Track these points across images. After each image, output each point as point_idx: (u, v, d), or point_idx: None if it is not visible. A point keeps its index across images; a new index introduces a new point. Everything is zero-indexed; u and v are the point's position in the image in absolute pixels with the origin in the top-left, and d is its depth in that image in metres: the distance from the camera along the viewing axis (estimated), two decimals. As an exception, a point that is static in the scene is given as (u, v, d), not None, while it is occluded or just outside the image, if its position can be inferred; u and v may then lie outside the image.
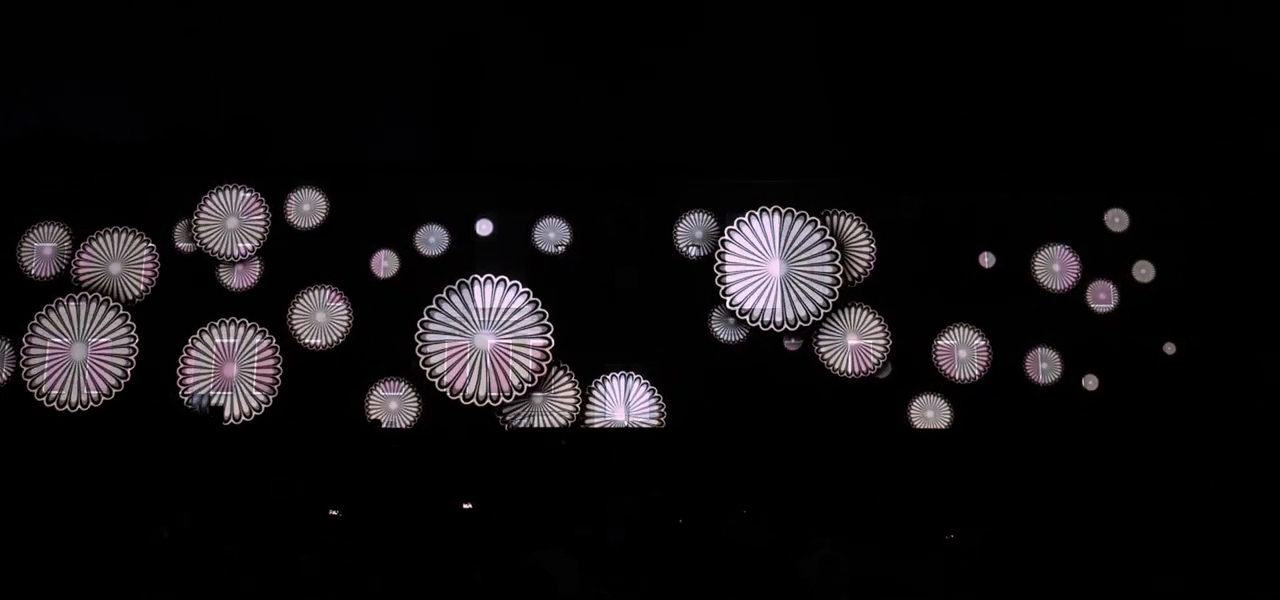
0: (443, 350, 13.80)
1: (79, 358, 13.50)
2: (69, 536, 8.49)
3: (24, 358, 13.44)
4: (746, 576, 7.37)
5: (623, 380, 13.78)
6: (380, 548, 7.73)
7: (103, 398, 13.34)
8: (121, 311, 13.54)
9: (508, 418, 13.70)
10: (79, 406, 13.31)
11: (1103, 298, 14.26)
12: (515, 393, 13.71)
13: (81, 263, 13.87)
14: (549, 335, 13.76)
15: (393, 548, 7.74)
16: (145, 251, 14.10)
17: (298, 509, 10.03)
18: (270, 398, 13.66)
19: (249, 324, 13.76)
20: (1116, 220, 14.43)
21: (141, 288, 13.91)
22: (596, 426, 13.86)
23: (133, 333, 13.50)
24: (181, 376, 13.63)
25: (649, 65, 14.75)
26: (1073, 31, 14.42)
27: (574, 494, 11.34)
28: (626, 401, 13.74)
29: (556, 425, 13.64)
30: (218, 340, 13.72)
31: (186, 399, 13.45)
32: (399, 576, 6.48)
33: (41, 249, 14.06)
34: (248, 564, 6.54)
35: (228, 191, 14.13)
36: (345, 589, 6.34)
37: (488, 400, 13.66)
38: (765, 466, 12.58)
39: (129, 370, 13.42)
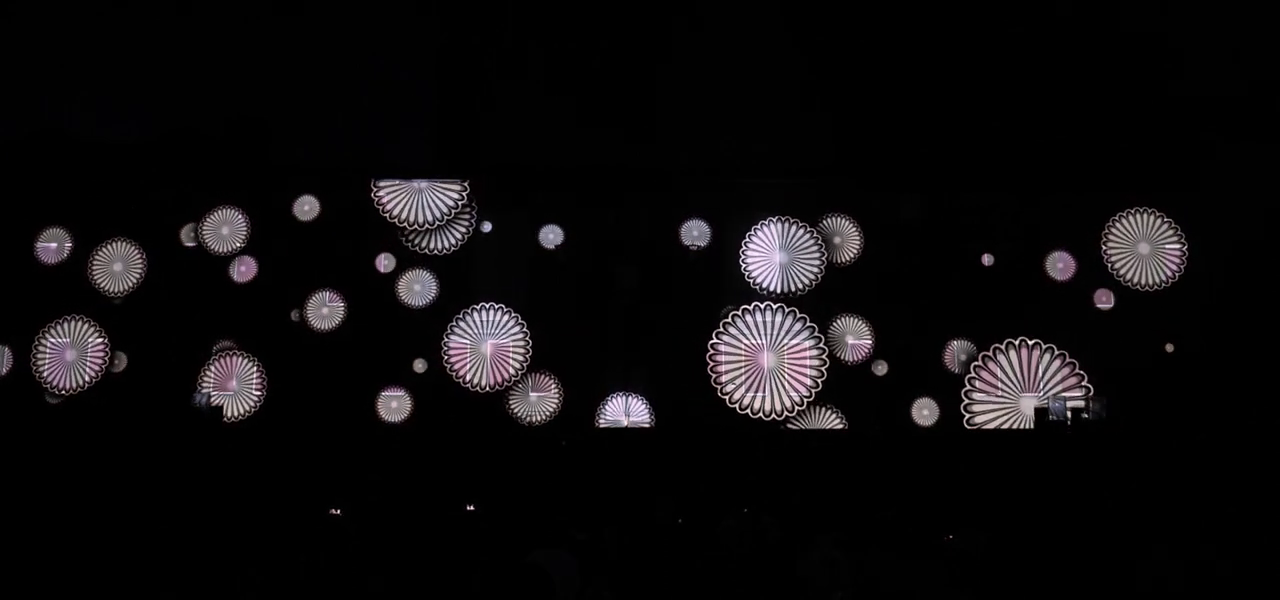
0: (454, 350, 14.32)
1: (71, 359, 14.24)
2: (70, 534, 8.51)
3: (33, 362, 14.17)
4: (746, 576, 7.38)
5: (622, 399, 14.03)
6: (380, 548, 7.74)
7: (92, 380, 14.17)
8: (93, 324, 14.32)
9: (517, 413, 14.11)
10: (75, 390, 14.16)
11: (1104, 299, 14.26)
12: (508, 385, 14.13)
13: (93, 270, 14.33)
14: (528, 343, 14.18)
15: (393, 548, 7.75)
16: (139, 256, 14.34)
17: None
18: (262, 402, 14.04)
19: (249, 357, 14.15)
20: (1120, 223, 14.43)
21: (134, 283, 14.29)
22: (598, 426, 14.02)
23: (103, 336, 14.31)
24: (194, 381, 13.95)
25: (650, 67, 14.76)
26: (1074, 33, 14.41)
27: (574, 494, 11.37)
28: (626, 411, 14.07)
29: (543, 416, 14.03)
30: (222, 363, 14.19)
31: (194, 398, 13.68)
32: (399, 576, 6.49)
33: (45, 248, 14.41)
34: (250, 563, 6.55)
35: (225, 210, 14.48)
36: (345, 589, 6.34)
37: (488, 389, 14.15)
38: (765, 466, 12.62)
39: (105, 360, 14.22)
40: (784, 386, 14.11)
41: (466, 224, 14.55)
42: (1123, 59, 14.37)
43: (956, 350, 14.13)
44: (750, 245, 14.51)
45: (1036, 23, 14.41)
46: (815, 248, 14.48)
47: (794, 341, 14.21)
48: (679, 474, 12.23)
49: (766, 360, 14.18)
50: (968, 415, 13.95)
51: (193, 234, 14.42)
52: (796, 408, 14.00)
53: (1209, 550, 6.83)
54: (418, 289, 14.42)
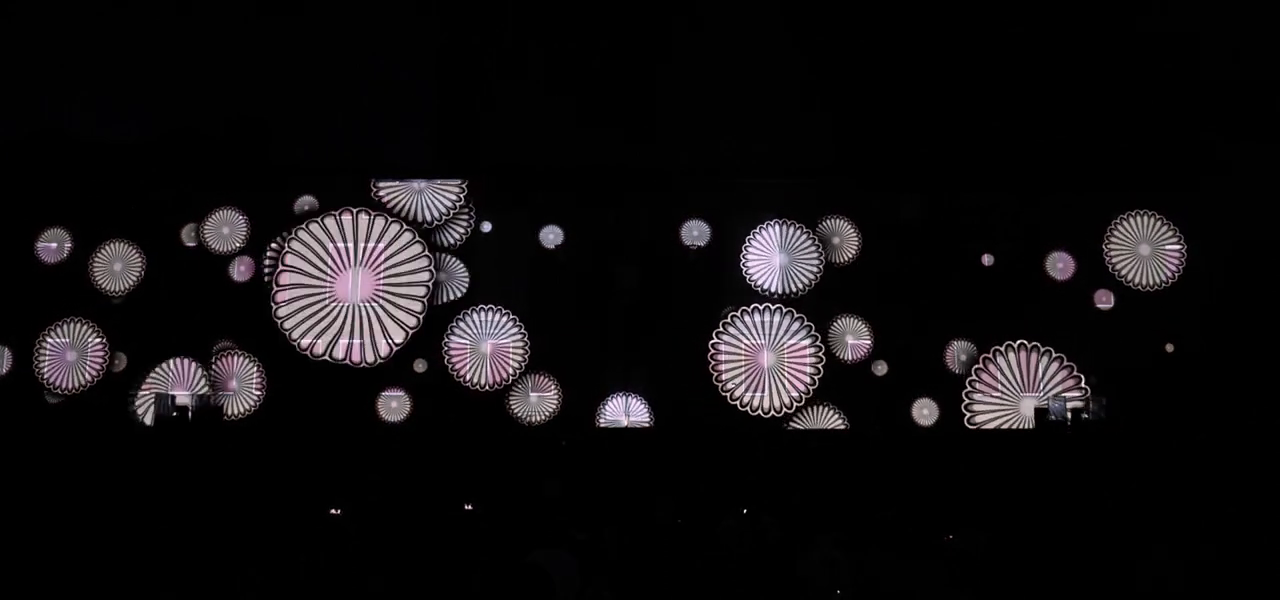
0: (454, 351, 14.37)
1: (72, 359, 14.24)
2: (71, 534, 8.51)
3: (35, 363, 14.18)
4: (746, 576, 7.38)
5: (622, 399, 14.06)
6: (380, 548, 7.74)
7: (93, 381, 14.19)
8: (93, 325, 14.32)
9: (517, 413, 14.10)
10: (75, 390, 14.18)
11: (1104, 299, 14.26)
12: (506, 383, 14.15)
13: (94, 270, 14.31)
14: (527, 343, 14.17)
15: (393, 548, 7.76)
16: (139, 256, 14.33)
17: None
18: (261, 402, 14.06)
19: (249, 357, 14.14)
20: (1121, 224, 14.42)
21: (134, 283, 14.28)
22: (598, 426, 14.03)
23: (102, 337, 14.30)
24: (197, 380, 14.01)
25: (650, 67, 14.76)
26: (1074, 33, 14.41)
27: (574, 494, 11.38)
28: (626, 411, 14.10)
29: (543, 416, 14.04)
30: (225, 363, 14.19)
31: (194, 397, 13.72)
32: (399, 576, 6.49)
33: (45, 247, 14.41)
34: (250, 563, 6.55)
35: (225, 210, 14.47)
36: (345, 589, 6.35)
37: (488, 388, 14.17)
38: (765, 466, 12.63)
39: (105, 360, 14.20)
40: (783, 385, 14.15)
41: (465, 223, 14.56)
42: (1123, 59, 14.36)
43: (957, 350, 14.15)
44: (750, 248, 14.53)
45: (1036, 22, 14.41)
46: (814, 249, 14.51)
47: (793, 341, 14.25)
48: (679, 474, 12.23)
49: (766, 359, 14.21)
50: (968, 415, 13.96)
51: (193, 234, 14.42)
52: (795, 403, 14.04)
53: (1209, 550, 6.83)
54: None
